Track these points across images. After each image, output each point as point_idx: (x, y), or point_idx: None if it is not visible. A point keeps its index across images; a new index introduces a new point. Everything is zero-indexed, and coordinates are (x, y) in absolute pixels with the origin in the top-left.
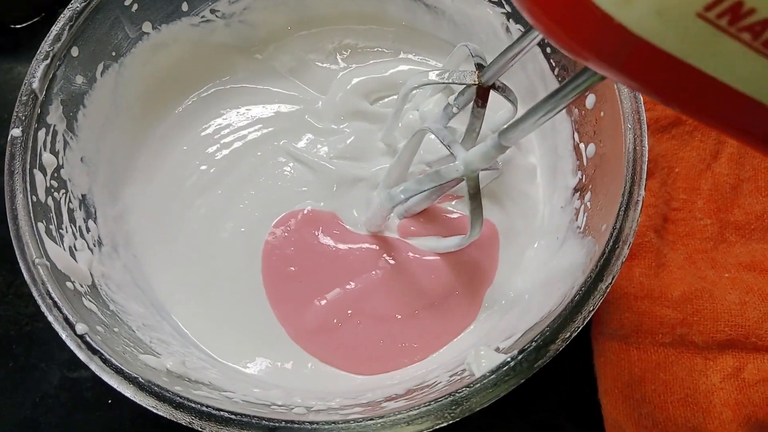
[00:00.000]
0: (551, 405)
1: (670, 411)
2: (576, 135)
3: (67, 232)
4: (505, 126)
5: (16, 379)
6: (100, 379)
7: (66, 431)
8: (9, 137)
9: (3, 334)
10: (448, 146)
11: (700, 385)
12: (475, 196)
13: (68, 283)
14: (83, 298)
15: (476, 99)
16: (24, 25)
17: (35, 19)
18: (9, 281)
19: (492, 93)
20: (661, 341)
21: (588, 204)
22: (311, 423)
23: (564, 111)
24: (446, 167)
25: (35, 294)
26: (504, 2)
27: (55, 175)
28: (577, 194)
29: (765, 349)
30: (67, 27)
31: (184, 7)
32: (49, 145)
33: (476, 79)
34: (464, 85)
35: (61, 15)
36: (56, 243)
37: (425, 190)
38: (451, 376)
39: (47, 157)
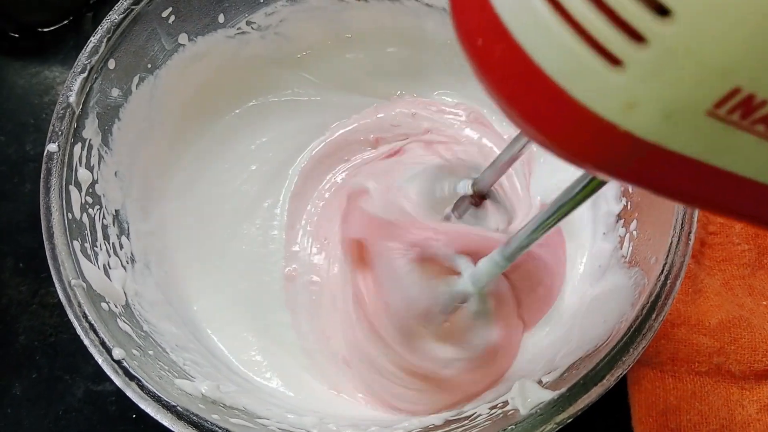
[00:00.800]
0: None
1: None
2: None
3: (101, 249)
4: (506, 244)
5: (39, 391)
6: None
7: None
8: (45, 152)
9: (27, 344)
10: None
11: (737, 416)
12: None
13: (103, 304)
14: (118, 320)
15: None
16: (51, 29)
17: (62, 23)
18: (33, 290)
19: None
20: (698, 370)
21: (634, 233)
22: None
23: None
24: (456, 288)
25: (71, 316)
26: None
27: (90, 190)
28: (621, 222)
29: None
30: (105, 39)
31: (221, 18)
32: (84, 160)
33: (469, 190)
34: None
35: (99, 26)
36: (91, 262)
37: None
38: (491, 408)
39: (83, 173)
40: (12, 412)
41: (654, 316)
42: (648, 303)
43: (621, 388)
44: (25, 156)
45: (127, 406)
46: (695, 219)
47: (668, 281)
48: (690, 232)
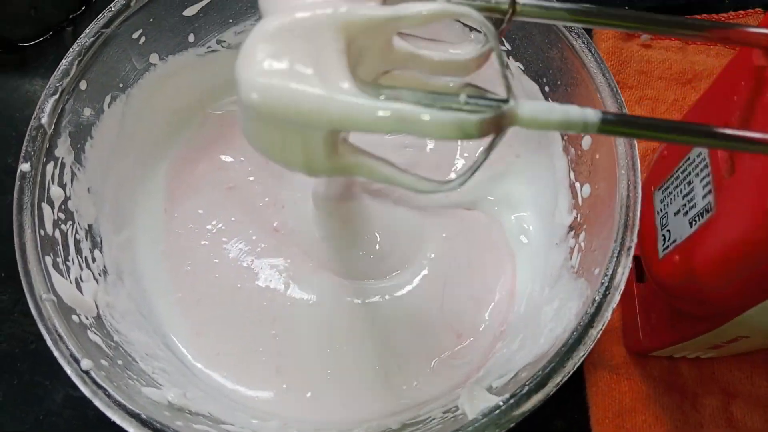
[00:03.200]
0: None
1: None
2: (572, 173)
3: (73, 263)
4: None
5: (20, 397)
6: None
7: None
8: (18, 172)
9: (8, 351)
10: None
11: (690, 418)
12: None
13: (74, 317)
14: (88, 331)
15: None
16: (32, 43)
17: (43, 38)
18: (15, 299)
19: None
20: (651, 373)
21: (582, 244)
22: None
23: (561, 148)
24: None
25: (42, 329)
26: (505, 40)
27: (63, 207)
28: (572, 232)
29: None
30: (76, 62)
31: (191, 38)
32: (57, 178)
33: None
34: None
35: (71, 49)
36: (63, 276)
37: None
38: (444, 413)
39: (55, 190)
40: None
41: (594, 325)
42: (588, 313)
43: (580, 390)
44: (6, 168)
45: None
46: (635, 232)
47: (608, 292)
48: (630, 247)
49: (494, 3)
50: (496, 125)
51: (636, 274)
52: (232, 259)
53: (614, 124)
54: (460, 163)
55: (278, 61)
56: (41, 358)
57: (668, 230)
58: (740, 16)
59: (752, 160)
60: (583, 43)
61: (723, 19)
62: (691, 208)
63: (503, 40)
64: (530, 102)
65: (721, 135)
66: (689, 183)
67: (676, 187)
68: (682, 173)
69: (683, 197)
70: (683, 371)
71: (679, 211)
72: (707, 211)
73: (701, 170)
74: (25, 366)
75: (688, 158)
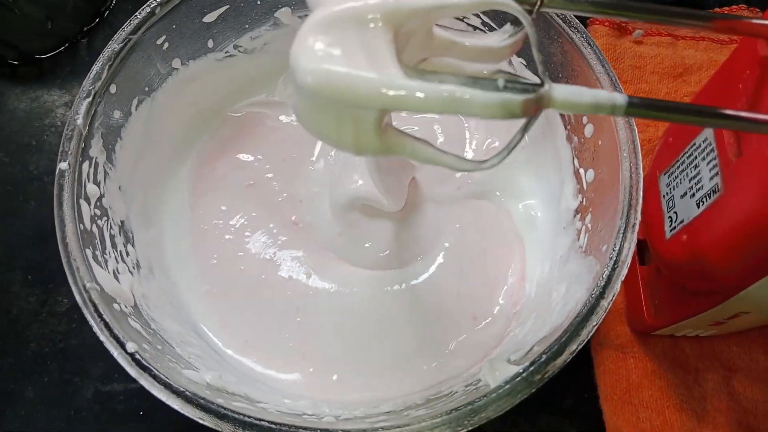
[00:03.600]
0: (557, 412)
1: (666, 415)
2: (576, 161)
3: (110, 257)
4: None
5: (51, 394)
6: (132, 391)
7: None
8: (57, 170)
9: (38, 351)
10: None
11: (694, 392)
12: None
13: (114, 305)
14: (128, 318)
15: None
16: (48, 55)
17: (59, 50)
18: (42, 301)
19: None
20: (655, 351)
21: (588, 225)
22: (344, 431)
23: (565, 137)
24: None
25: (87, 316)
26: None
27: (98, 204)
28: (578, 216)
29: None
30: (107, 66)
31: (210, 43)
32: (92, 176)
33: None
34: None
35: (101, 55)
36: (102, 267)
37: None
38: (466, 386)
39: (91, 188)
40: (26, 414)
41: (605, 296)
42: (599, 286)
43: (588, 371)
44: (28, 175)
45: (134, 404)
46: (639, 210)
47: (617, 265)
48: (634, 224)
49: None
50: (536, 106)
51: (639, 258)
52: (255, 252)
53: (639, 107)
54: (469, 155)
55: (331, 48)
56: (70, 356)
57: (675, 212)
58: (725, 12)
59: (759, 143)
60: (583, 37)
61: None
62: (698, 190)
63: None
64: (563, 86)
65: (733, 116)
66: (696, 167)
67: (683, 171)
68: (688, 158)
69: (690, 180)
70: (685, 348)
71: (686, 193)
72: (715, 192)
73: (707, 154)
74: (54, 365)
75: (694, 143)
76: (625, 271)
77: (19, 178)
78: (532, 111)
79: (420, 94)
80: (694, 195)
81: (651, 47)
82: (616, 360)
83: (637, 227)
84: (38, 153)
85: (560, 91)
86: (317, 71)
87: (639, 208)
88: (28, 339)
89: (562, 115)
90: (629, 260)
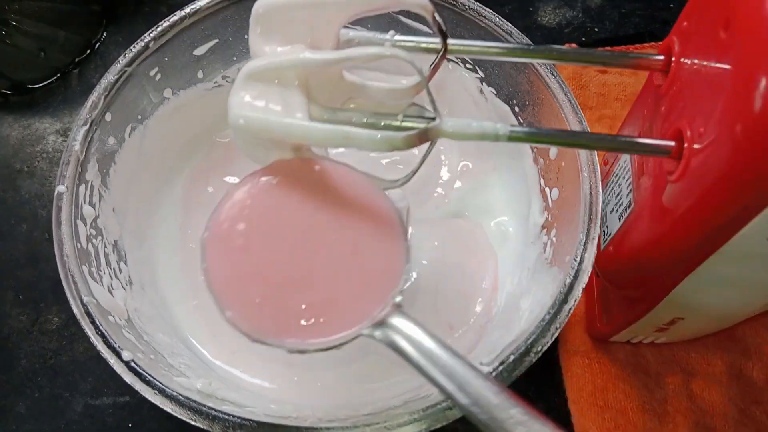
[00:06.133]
0: None
1: (629, 416)
2: (542, 180)
3: (104, 273)
4: None
5: (42, 408)
6: (120, 404)
7: None
8: (55, 193)
9: (29, 367)
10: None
11: (656, 394)
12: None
13: (110, 317)
14: (122, 330)
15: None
16: (40, 85)
17: (51, 80)
18: (33, 319)
19: None
20: (618, 357)
21: (554, 239)
22: (327, 429)
23: (532, 159)
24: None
25: (85, 327)
26: (478, 68)
27: (93, 224)
28: (545, 230)
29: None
30: (103, 96)
31: (200, 74)
32: (88, 199)
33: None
34: None
35: (97, 86)
36: (97, 282)
37: None
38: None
39: (87, 209)
40: (17, 429)
41: (567, 301)
42: (561, 292)
43: (557, 377)
44: (20, 200)
45: (123, 417)
46: (598, 224)
47: (578, 274)
48: (594, 237)
49: (430, 45)
50: (423, 138)
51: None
52: None
53: (520, 134)
54: (445, 176)
55: (255, 100)
56: (60, 372)
57: (606, 226)
58: (638, 49)
59: (655, 162)
60: (547, 68)
61: None
62: (620, 206)
63: (477, 68)
64: (453, 119)
65: (595, 138)
66: (619, 185)
67: (612, 189)
68: (615, 177)
69: (615, 197)
70: (647, 355)
71: (613, 209)
72: (629, 207)
73: (625, 173)
74: (44, 380)
75: (619, 164)
76: (586, 279)
77: (11, 202)
78: (419, 142)
79: (319, 133)
80: (616, 210)
81: (615, 76)
82: (582, 366)
83: (596, 240)
84: (30, 178)
85: (450, 124)
86: (245, 117)
87: (599, 222)
88: (20, 356)
89: None
90: (590, 269)
